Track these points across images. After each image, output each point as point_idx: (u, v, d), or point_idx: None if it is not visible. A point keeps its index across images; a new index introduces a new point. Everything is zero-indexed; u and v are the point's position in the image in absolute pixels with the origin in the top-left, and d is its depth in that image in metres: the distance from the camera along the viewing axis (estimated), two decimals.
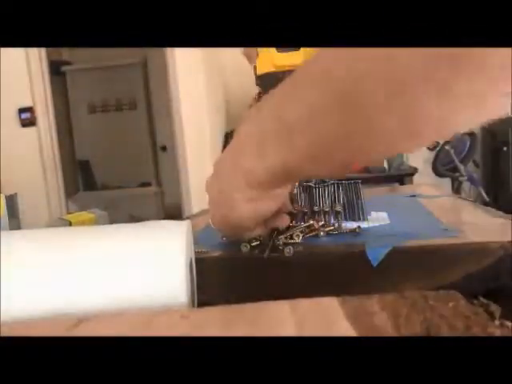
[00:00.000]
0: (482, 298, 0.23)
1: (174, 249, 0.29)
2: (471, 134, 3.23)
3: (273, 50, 0.62)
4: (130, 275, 0.28)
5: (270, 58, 0.62)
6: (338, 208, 0.51)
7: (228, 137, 3.31)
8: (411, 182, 2.99)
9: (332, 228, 0.45)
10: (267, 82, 0.63)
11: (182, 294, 0.28)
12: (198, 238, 0.47)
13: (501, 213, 0.51)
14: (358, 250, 0.38)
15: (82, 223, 0.60)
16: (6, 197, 0.60)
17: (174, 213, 3.74)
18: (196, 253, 0.36)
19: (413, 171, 3.13)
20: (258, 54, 0.63)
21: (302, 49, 0.61)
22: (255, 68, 0.64)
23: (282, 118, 0.33)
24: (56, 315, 0.27)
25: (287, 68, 0.59)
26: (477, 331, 0.20)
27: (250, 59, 0.62)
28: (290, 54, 0.60)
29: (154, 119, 4.58)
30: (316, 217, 0.48)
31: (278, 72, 0.61)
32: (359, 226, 0.46)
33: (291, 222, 0.44)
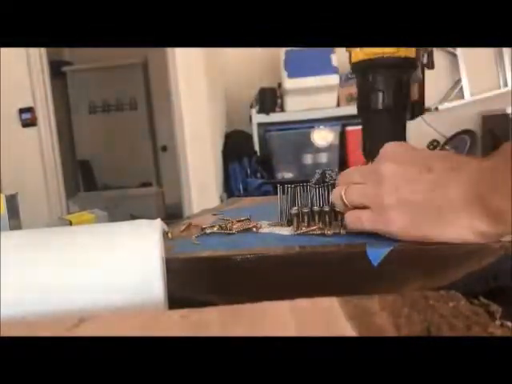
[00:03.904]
0: (482, 298, 0.23)
1: (148, 246, 0.30)
2: (471, 134, 3.23)
3: None
4: (105, 273, 0.29)
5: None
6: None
7: (228, 137, 3.31)
8: None
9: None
10: (360, 69, 0.64)
11: (158, 290, 0.29)
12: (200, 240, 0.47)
13: None
14: (358, 250, 0.38)
15: (82, 223, 0.60)
16: (6, 197, 0.60)
17: (174, 213, 3.74)
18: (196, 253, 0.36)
19: None
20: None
21: None
22: (350, 56, 0.64)
23: None
24: (42, 314, 0.28)
25: (378, 55, 0.60)
26: (477, 331, 0.20)
27: None
28: None
29: (155, 119, 4.59)
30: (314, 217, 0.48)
31: (368, 59, 0.62)
32: None
33: None
